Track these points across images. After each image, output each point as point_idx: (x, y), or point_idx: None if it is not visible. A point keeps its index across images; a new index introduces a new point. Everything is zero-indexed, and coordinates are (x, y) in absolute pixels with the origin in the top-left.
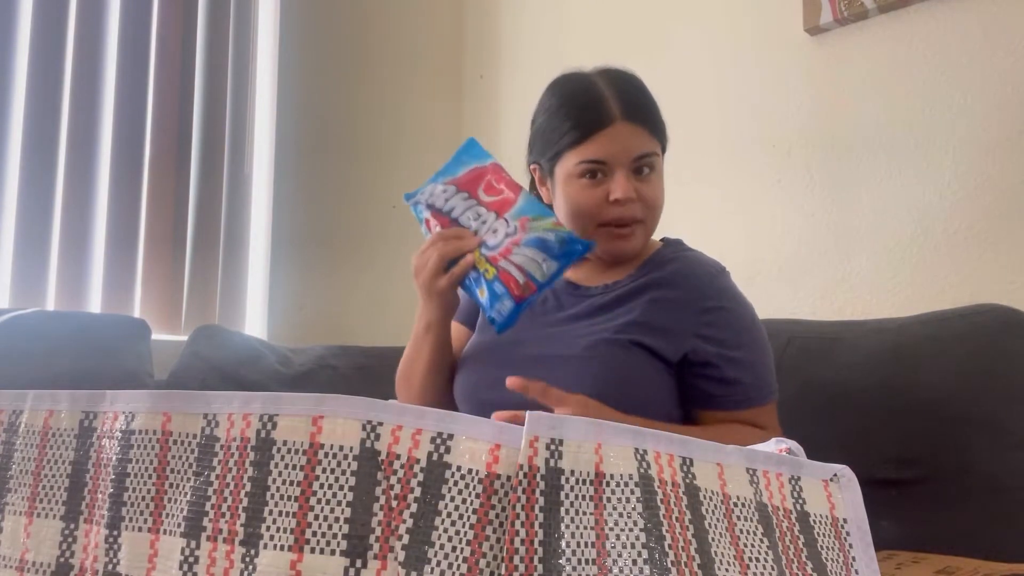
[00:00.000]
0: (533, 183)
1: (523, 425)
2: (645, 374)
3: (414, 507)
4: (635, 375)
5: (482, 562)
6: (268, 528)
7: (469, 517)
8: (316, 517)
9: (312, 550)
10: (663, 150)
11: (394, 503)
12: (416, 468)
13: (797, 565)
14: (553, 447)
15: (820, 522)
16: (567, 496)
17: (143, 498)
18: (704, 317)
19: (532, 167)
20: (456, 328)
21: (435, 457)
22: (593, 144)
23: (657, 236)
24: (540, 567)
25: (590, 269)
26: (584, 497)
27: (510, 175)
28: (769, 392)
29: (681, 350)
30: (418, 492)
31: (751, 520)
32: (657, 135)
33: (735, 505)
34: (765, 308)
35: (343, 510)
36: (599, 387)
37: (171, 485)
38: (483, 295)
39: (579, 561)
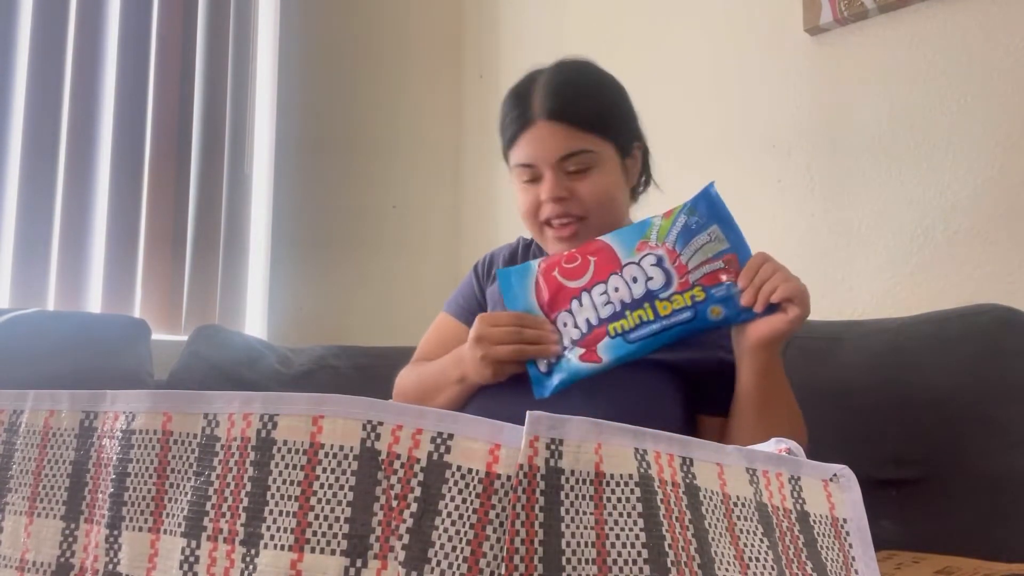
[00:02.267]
0: None
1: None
2: (659, 392)
3: (414, 507)
4: (648, 394)
5: (482, 562)
6: (268, 528)
7: (469, 517)
8: (316, 517)
9: (312, 550)
10: (624, 147)
11: (394, 503)
12: (416, 468)
13: (797, 565)
14: (553, 447)
15: (820, 522)
16: (567, 496)
17: (143, 498)
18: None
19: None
20: (456, 326)
21: (435, 457)
22: (519, 146)
23: None
24: (540, 567)
25: None
26: (584, 497)
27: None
28: None
29: (704, 365)
30: (418, 492)
31: (751, 520)
32: (592, 130)
33: (735, 505)
34: None
35: (343, 510)
36: (612, 410)
37: (171, 485)
38: (718, 312)
39: (579, 561)
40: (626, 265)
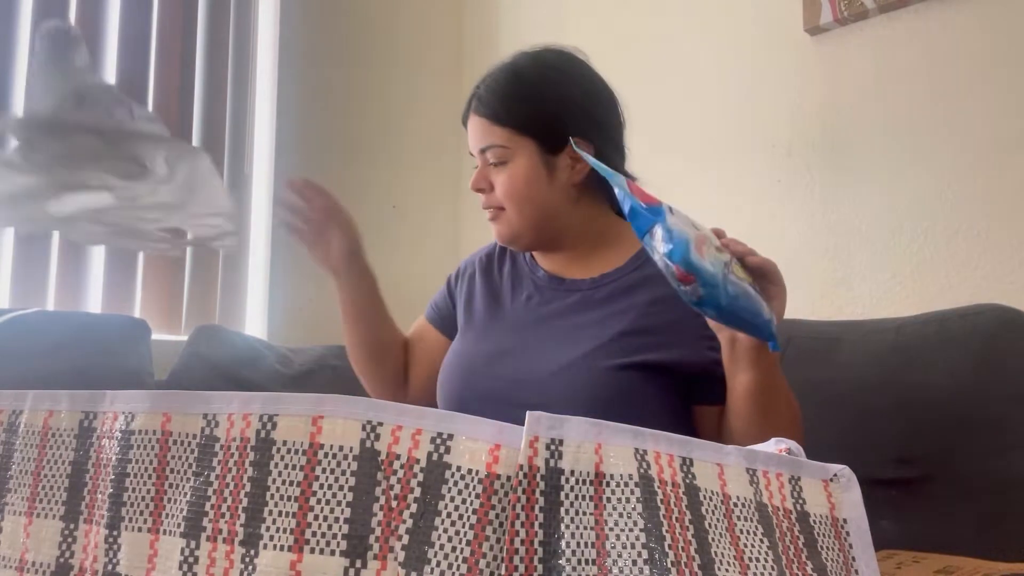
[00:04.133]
0: None
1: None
2: (645, 396)
3: (414, 507)
4: (634, 401)
5: (482, 562)
6: (268, 528)
7: (469, 517)
8: (316, 517)
9: (312, 550)
10: (543, 139)
11: (394, 503)
12: (416, 468)
13: (797, 565)
14: (553, 447)
15: (820, 522)
16: (567, 496)
17: (143, 498)
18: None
19: None
20: (423, 324)
21: (435, 457)
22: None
23: None
24: (540, 567)
25: (570, 258)
26: (584, 497)
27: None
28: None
29: (695, 365)
30: (418, 492)
31: (751, 520)
32: (504, 124)
33: (735, 505)
34: None
35: (343, 510)
36: (593, 413)
37: (171, 485)
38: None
39: (579, 561)
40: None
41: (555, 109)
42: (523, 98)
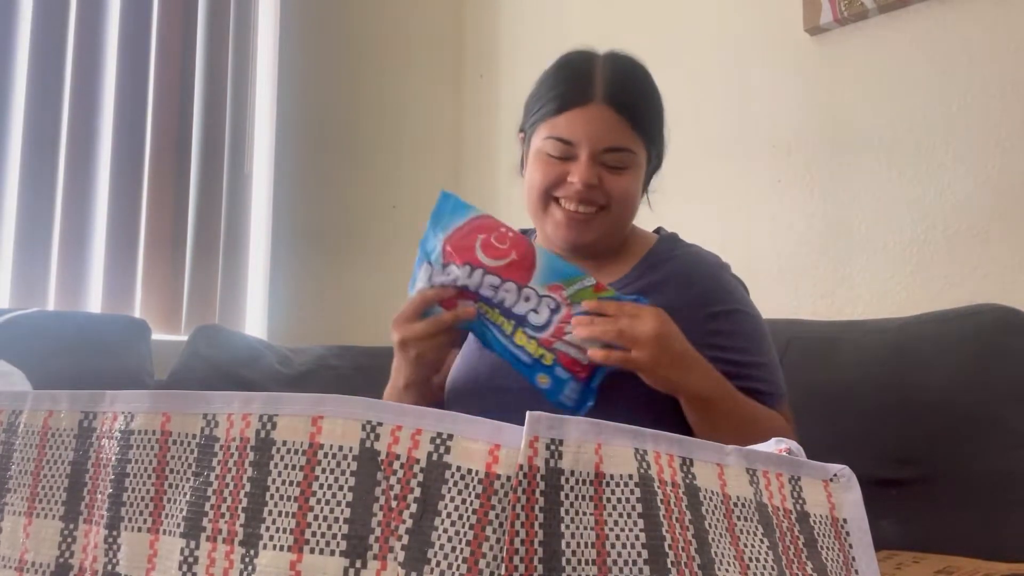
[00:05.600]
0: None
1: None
2: (651, 403)
3: (414, 507)
4: (639, 406)
5: (482, 562)
6: (268, 528)
7: (469, 517)
8: (316, 517)
9: (312, 550)
10: (652, 159)
11: (394, 503)
12: (416, 468)
13: (797, 565)
14: (553, 447)
15: (820, 522)
16: (567, 496)
17: (142, 498)
18: (712, 324)
19: (520, 134)
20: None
21: (435, 457)
22: (564, 120)
23: (651, 229)
24: (540, 567)
25: (587, 267)
26: (584, 497)
27: (505, 224)
28: (781, 393)
29: None
30: (418, 492)
31: (751, 520)
32: (641, 135)
33: (735, 505)
34: (765, 308)
35: (343, 510)
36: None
37: (170, 485)
38: (545, 382)
39: (579, 561)
40: (529, 287)
41: (662, 127)
42: (657, 112)
